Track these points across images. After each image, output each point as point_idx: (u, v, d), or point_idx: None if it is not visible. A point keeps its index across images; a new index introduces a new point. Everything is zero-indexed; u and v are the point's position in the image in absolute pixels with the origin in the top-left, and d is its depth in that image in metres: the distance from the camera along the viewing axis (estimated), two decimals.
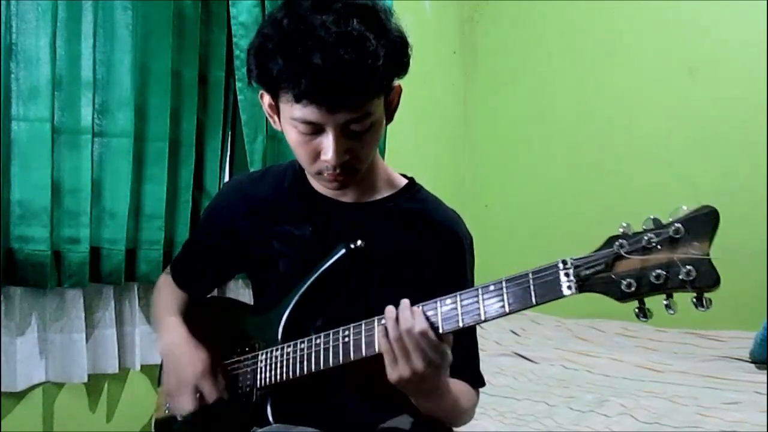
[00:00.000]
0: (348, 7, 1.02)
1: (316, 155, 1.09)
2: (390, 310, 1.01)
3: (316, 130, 1.06)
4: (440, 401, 1.08)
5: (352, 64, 0.99)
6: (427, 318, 0.99)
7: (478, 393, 1.25)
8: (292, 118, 1.06)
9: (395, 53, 1.05)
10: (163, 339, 1.33)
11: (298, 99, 1.02)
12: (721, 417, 1.83)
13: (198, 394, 1.21)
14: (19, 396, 1.92)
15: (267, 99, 1.12)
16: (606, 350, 2.62)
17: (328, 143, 1.06)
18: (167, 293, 1.43)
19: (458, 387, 1.16)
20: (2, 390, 1.83)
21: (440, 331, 0.99)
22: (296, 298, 1.19)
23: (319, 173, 1.12)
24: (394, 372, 1.00)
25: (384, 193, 1.24)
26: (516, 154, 3.71)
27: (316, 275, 1.18)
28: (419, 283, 1.15)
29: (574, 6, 3.48)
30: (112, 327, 2.06)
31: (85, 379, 1.99)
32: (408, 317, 0.99)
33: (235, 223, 1.31)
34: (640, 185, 3.21)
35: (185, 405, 1.22)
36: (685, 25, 3.19)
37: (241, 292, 2.36)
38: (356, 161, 1.10)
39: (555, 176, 3.54)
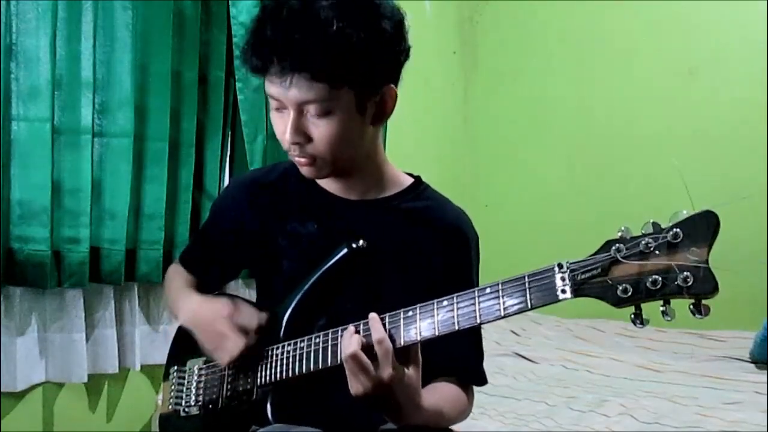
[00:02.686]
0: None
1: (283, 133, 1.11)
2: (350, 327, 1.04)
3: (282, 106, 1.09)
4: (412, 419, 1.04)
5: (301, 42, 1.01)
6: (393, 331, 1.00)
7: (472, 392, 1.24)
8: (266, 93, 1.11)
9: (369, 49, 1.04)
10: (183, 309, 1.31)
11: (254, 72, 1.08)
12: (721, 417, 1.83)
13: (239, 331, 1.17)
14: (19, 396, 1.92)
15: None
16: (606, 350, 2.61)
17: (287, 120, 1.09)
18: (179, 277, 1.43)
19: (444, 395, 1.15)
20: (2, 390, 1.83)
21: (401, 344, 0.99)
22: (299, 296, 1.19)
23: (288, 152, 1.15)
24: (351, 387, 1.01)
25: (390, 191, 1.24)
26: (516, 154, 3.71)
27: (317, 275, 1.18)
28: (424, 281, 1.15)
29: (574, 6, 3.47)
30: (112, 327, 2.07)
31: (85, 379, 2.00)
32: (355, 337, 1.01)
33: (241, 219, 1.31)
34: (640, 185, 3.20)
35: (234, 347, 1.17)
36: (685, 25, 3.19)
37: (241, 291, 2.36)
38: (314, 148, 1.10)
39: (555, 176, 3.53)
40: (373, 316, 1.01)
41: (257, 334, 1.18)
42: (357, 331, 1.03)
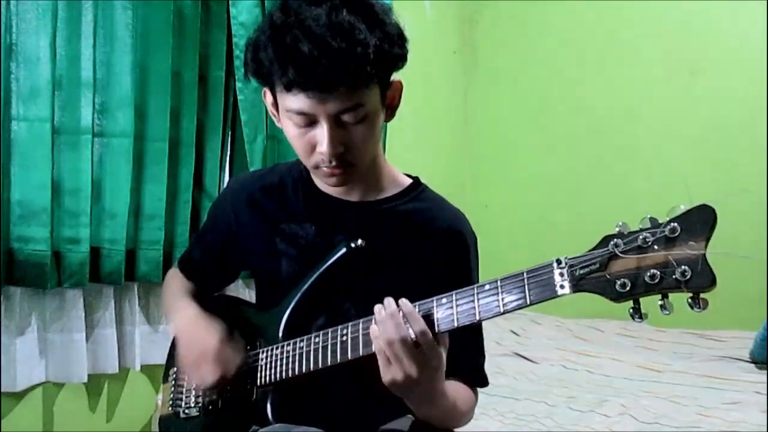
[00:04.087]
0: (341, 2, 1.04)
1: (312, 148, 1.09)
2: (380, 309, 1.00)
3: (310, 121, 1.07)
4: (436, 406, 1.06)
5: (340, 52, 1.00)
6: (426, 319, 0.98)
7: (476, 393, 1.24)
8: (287, 110, 1.08)
9: (388, 43, 1.05)
10: (176, 319, 1.32)
11: (288, 88, 1.04)
12: (721, 417, 1.83)
13: (220, 364, 1.19)
14: (19, 396, 1.92)
15: (269, 97, 1.13)
16: (606, 350, 2.61)
17: (322, 134, 1.06)
18: (177, 283, 1.44)
19: (456, 389, 1.15)
20: (2, 390, 1.83)
21: (437, 332, 0.98)
22: (298, 296, 1.20)
23: (317, 167, 1.13)
24: (387, 374, 0.99)
25: (389, 193, 1.24)
26: (516, 154, 3.71)
27: (317, 274, 1.19)
28: (423, 282, 1.14)
29: (575, 6, 3.48)
30: (112, 327, 2.07)
31: (85, 379, 2.00)
32: (401, 320, 0.98)
33: (239, 221, 1.31)
34: (641, 185, 3.21)
35: (209, 375, 1.19)
36: (686, 26, 3.19)
37: (241, 291, 2.36)
38: (352, 155, 1.10)
39: (555, 176, 3.54)
40: (412, 310, 0.99)
41: (234, 373, 1.20)
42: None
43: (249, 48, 1.09)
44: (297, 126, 1.09)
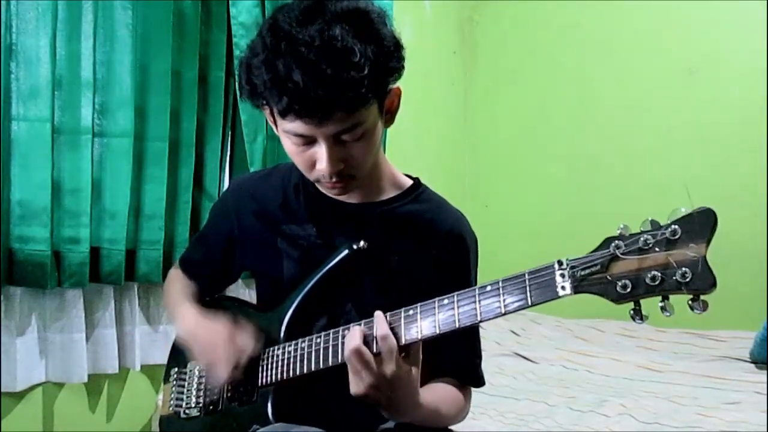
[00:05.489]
0: (335, 16, 1.01)
1: (312, 164, 1.09)
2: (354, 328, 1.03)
3: (308, 141, 1.06)
4: (410, 416, 1.06)
5: (334, 79, 0.97)
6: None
7: (469, 392, 1.25)
8: (284, 130, 1.07)
9: (385, 59, 1.03)
10: (182, 324, 1.32)
11: (283, 115, 1.03)
12: (721, 417, 1.83)
13: (236, 357, 1.19)
14: (19, 396, 1.92)
15: (267, 108, 1.13)
16: (606, 350, 2.61)
17: (321, 153, 1.06)
18: (178, 284, 1.43)
19: (441, 393, 1.16)
20: (2, 390, 1.83)
21: (401, 344, 1.00)
22: (299, 297, 1.20)
23: (317, 181, 1.13)
24: (353, 386, 1.02)
25: (389, 194, 1.24)
26: (516, 153, 3.71)
27: (319, 275, 1.19)
28: (423, 283, 1.15)
29: (574, 6, 3.48)
30: (112, 327, 2.07)
31: (85, 379, 2.00)
32: (353, 337, 1.01)
33: (241, 221, 1.31)
34: (640, 185, 3.20)
35: (224, 370, 1.19)
36: (686, 26, 3.19)
37: (241, 292, 2.36)
38: (352, 169, 1.10)
39: (555, 176, 3.53)
40: (378, 314, 1.02)
41: (249, 358, 1.20)
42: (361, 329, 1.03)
43: (242, 69, 1.07)
44: (295, 145, 1.08)
